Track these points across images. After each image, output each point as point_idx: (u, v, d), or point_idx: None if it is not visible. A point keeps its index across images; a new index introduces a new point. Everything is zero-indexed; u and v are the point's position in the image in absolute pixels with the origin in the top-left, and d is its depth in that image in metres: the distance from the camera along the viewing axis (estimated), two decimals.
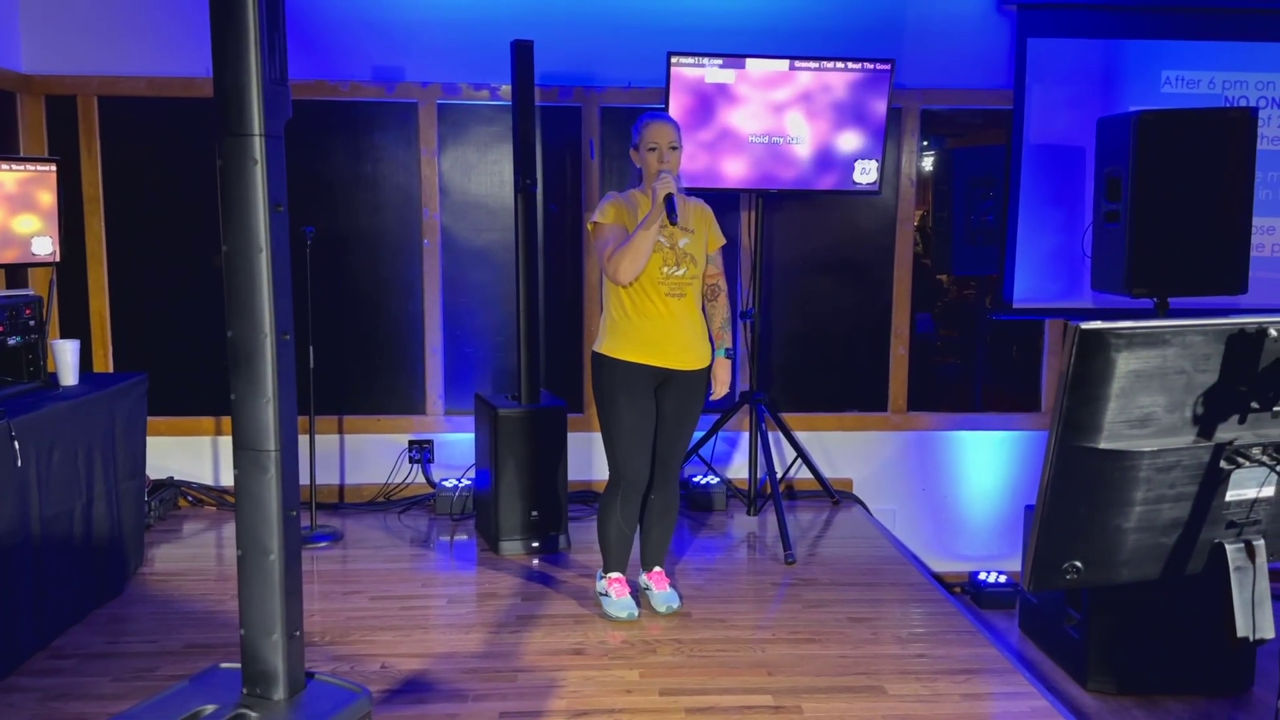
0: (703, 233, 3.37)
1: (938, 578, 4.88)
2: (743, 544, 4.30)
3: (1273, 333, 1.41)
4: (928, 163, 5.02)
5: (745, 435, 4.66)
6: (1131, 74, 4.70)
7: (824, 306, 4.89)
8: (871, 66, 4.27)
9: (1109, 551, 1.46)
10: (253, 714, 1.55)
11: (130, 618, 3.44)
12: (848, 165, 4.36)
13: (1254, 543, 1.51)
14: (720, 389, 3.44)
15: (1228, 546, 1.50)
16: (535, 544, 4.06)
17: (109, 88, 4.47)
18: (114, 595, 3.59)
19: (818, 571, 3.95)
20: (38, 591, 3.13)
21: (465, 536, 4.32)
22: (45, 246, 3.66)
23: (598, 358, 3.34)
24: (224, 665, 1.69)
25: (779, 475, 4.80)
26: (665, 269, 3.26)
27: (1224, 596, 1.51)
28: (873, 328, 4.92)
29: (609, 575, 3.48)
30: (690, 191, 4.45)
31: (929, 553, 4.99)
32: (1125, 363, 1.38)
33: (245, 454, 1.54)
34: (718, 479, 4.73)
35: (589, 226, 3.33)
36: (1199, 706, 3.59)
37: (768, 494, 4.49)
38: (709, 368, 3.41)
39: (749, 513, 4.60)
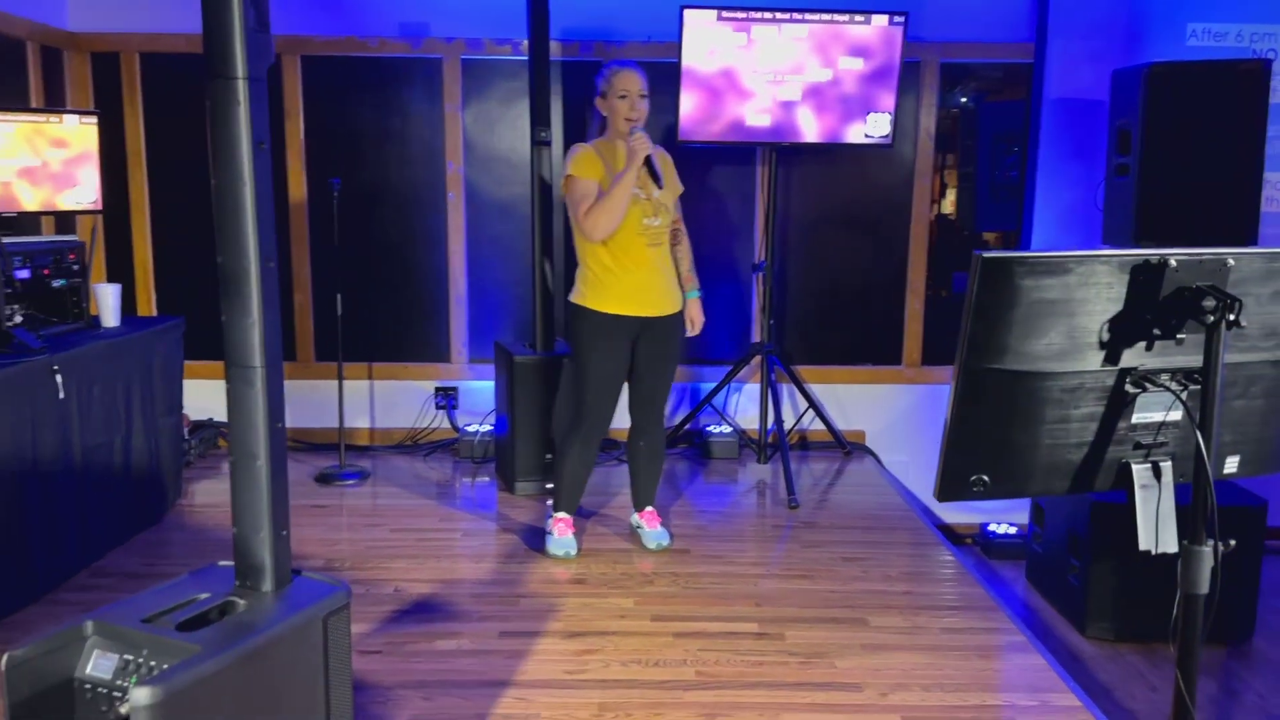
0: (669, 181, 3.42)
1: (948, 528, 4.98)
2: (751, 491, 4.43)
3: (1173, 263, 1.49)
4: (952, 117, 5.03)
5: (759, 386, 4.77)
6: (1156, 26, 4.66)
7: (840, 260, 4.96)
8: (885, 19, 4.30)
9: (1016, 467, 1.57)
10: (241, 602, 1.73)
11: (166, 543, 3.69)
12: (861, 119, 4.41)
13: (1160, 464, 1.60)
14: (695, 328, 3.57)
15: (1134, 466, 1.60)
16: (549, 485, 4.22)
17: (150, 44, 4.67)
18: (152, 523, 3.84)
19: (820, 516, 4.07)
20: (80, 516, 3.37)
21: (486, 479, 4.51)
22: (88, 195, 3.87)
23: (578, 310, 3.40)
24: (221, 563, 1.88)
25: (791, 426, 4.92)
26: (645, 220, 3.33)
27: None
28: (888, 282, 4.98)
29: (557, 514, 3.61)
30: (702, 146, 4.54)
31: (942, 505, 5.08)
32: (1029, 290, 1.48)
33: (234, 370, 1.71)
34: (730, 428, 4.86)
35: (564, 181, 3.36)
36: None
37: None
38: (682, 311, 3.53)
39: (759, 461, 4.73)
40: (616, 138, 3.38)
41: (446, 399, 4.96)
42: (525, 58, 4.65)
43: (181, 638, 1.60)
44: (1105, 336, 1.54)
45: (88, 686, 1.62)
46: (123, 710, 1.55)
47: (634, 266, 3.36)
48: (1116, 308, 1.53)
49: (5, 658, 1.54)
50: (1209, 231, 3.96)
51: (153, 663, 1.58)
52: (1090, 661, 3.65)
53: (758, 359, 4.72)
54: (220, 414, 4.92)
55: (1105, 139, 4.55)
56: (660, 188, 3.24)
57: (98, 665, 1.62)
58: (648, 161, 3.21)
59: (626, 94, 3.31)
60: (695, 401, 4.93)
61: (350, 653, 1.81)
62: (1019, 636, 3.04)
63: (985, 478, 1.55)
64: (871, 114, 4.40)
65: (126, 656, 1.60)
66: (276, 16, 4.50)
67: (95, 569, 3.43)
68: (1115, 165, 4.09)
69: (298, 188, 4.79)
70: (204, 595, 1.73)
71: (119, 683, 1.59)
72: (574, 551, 3.56)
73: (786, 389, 4.92)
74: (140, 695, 1.43)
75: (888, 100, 4.40)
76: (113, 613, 1.67)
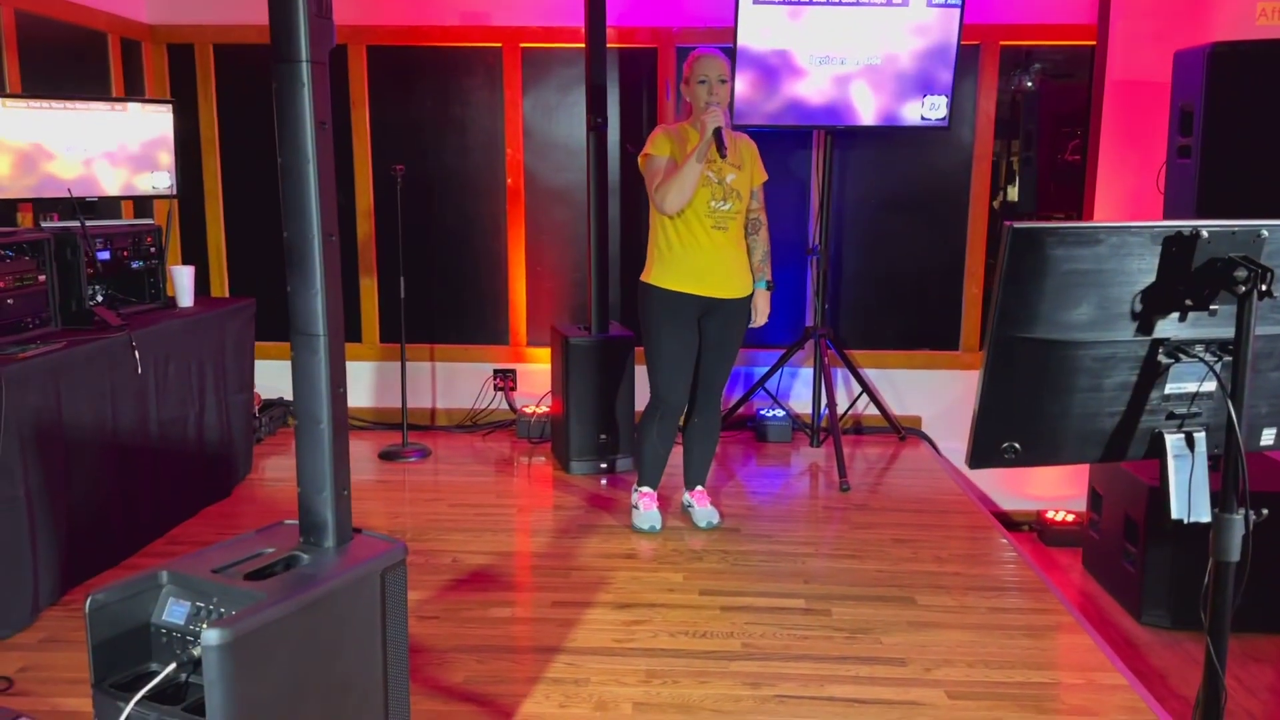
0: (748, 168, 3.49)
1: (1005, 515, 4.95)
2: (804, 474, 4.46)
3: (1205, 234, 1.51)
4: (1012, 100, 4.99)
5: (812, 370, 4.80)
6: (1223, 6, 4.57)
7: (896, 244, 4.96)
8: (942, 1, 4.28)
9: (1048, 434, 1.59)
10: (304, 556, 1.84)
11: (237, 514, 3.85)
12: (917, 101, 4.41)
13: (1194, 434, 1.62)
14: (760, 319, 3.60)
15: (1167, 436, 1.61)
16: (603, 465, 4.32)
17: (223, 35, 4.84)
18: (223, 495, 4.01)
19: (872, 499, 4.09)
20: (156, 486, 3.54)
21: (542, 459, 4.61)
22: (164, 181, 4.05)
23: (644, 287, 3.51)
24: (287, 522, 1.99)
25: (845, 410, 4.94)
26: (712, 203, 3.40)
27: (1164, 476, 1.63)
28: (946, 266, 4.96)
29: (641, 489, 3.72)
30: (757, 129, 4.57)
31: (999, 492, 5.05)
32: (1060, 260, 1.50)
33: (298, 338, 1.82)
34: (783, 412, 4.89)
35: (640, 159, 3.49)
36: (1253, 643, 3.60)
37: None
38: (750, 297, 3.57)
39: (813, 444, 4.75)
40: (697, 121, 3.44)
41: (505, 380, 5.07)
42: (582, 45, 4.73)
43: (249, 587, 1.71)
44: (1138, 307, 1.55)
45: (163, 631, 1.74)
46: (195, 653, 1.66)
47: (697, 247, 3.43)
48: (1149, 278, 1.55)
49: (89, 599, 1.67)
50: (1273, 214, 3.88)
51: (222, 609, 1.69)
52: (1145, 648, 3.62)
53: (811, 343, 4.74)
54: (290, 393, 5.10)
55: (1167, 121, 4.48)
56: (724, 158, 3.29)
57: (171, 611, 1.73)
58: (717, 134, 3.25)
59: (705, 79, 3.38)
60: (749, 385, 4.98)
61: (406, 607, 1.90)
62: (1068, 617, 3.04)
63: (1016, 445, 1.59)
64: (928, 96, 4.39)
65: (198, 604, 1.72)
66: (343, 7, 4.65)
67: (169, 537, 3.60)
68: (1177, 147, 4.02)
69: (364, 175, 4.93)
70: (270, 550, 1.85)
71: (191, 628, 1.71)
72: (659, 526, 3.65)
73: (841, 373, 4.94)
74: (210, 636, 1.54)
75: (944, 82, 4.38)
76: (185, 564, 1.79)
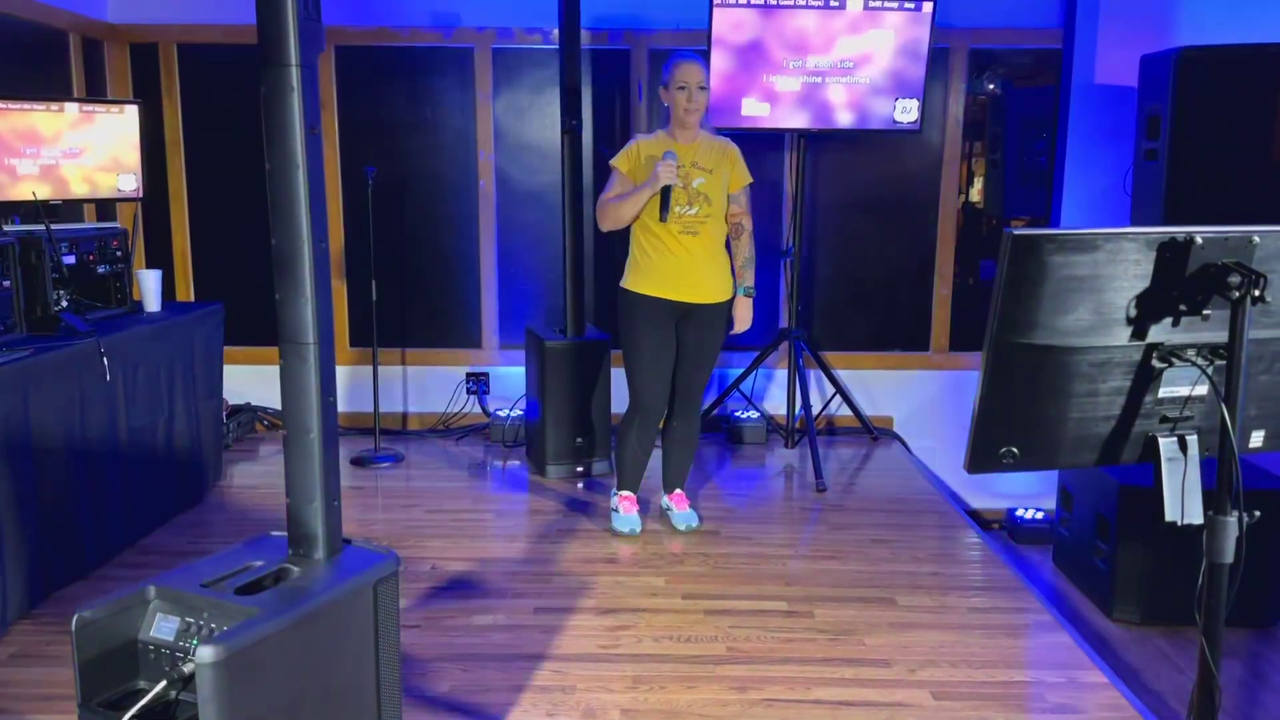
0: (722, 172, 3.48)
1: (976, 513, 5.00)
2: (779, 475, 4.48)
3: (1199, 241, 1.53)
4: (981, 104, 5.04)
5: (786, 372, 4.82)
6: (1186, 10, 4.65)
7: (867, 246, 4.99)
8: (913, 4, 4.32)
9: (1044, 440, 1.61)
10: (295, 569, 1.80)
11: (208, 522, 3.79)
12: (889, 104, 4.44)
13: (1186, 437, 1.64)
14: (740, 325, 3.60)
15: (1160, 439, 1.63)
16: (579, 469, 4.30)
17: (187, 35, 4.76)
18: (194, 503, 3.94)
19: (848, 500, 4.12)
20: (125, 495, 3.47)
21: (517, 463, 4.58)
22: (129, 183, 3.97)
23: (622, 292, 3.53)
24: (274, 534, 1.95)
25: (818, 411, 4.96)
26: (678, 208, 3.40)
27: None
28: (916, 268, 5.01)
29: (620, 493, 3.72)
30: (731, 132, 4.58)
31: (969, 490, 5.10)
32: (1058, 266, 1.52)
33: (288, 346, 1.78)
34: (758, 414, 4.90)
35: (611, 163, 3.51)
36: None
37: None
38: (729, 302, 3.56)
39: (787, 446, 4.77)
40: (676, 127, 3.46)
41: (477, 384, 5.04)
42: (555, 47, 4.71)
43: (240, 601, 1.67)
44: (1132, 312, 1.57)
45: (151, 648, 1.69)
46: (186, 670, 1.62)
47: (668, 252, 3.43)
48: (1144, 284, 1.56)
49: (75, 617, 1.62)
50: (1239, 217, 3.96)
51: (213, 625, 1.66)
52: (1117, 644, 3.67)
53: (785, 344, 4.76)
54: (256, 398, 5.03)
55: (1134, 124, 4.55)
56: (663, 220, 3.35)
57: (160, 628, 1.69)
58: (664, 192, 3.31)
59: (685, 86, 3.38)
60: (723, 387, 4.98)
61: (398, 618, 1.88)
62: (1046, 616, 3.08)
63: (1014, 450, 1.60)
64: (900, 99, 4.43)
65: (188, 619, 1.68)
66: None
67: (140, 547, 3.53)
68: (1144, 150, 4.10)
69: (332, 177, 4.87)
70: (259, 563, 1.81)
71: (181, 644, 1.67)
72: (639, 528, 3.64)
73: (814, 374, 4.96)
74: (205, 653, 1.51)
75: (916, 85, 4.42)
76: (173, 578, 1.75)
